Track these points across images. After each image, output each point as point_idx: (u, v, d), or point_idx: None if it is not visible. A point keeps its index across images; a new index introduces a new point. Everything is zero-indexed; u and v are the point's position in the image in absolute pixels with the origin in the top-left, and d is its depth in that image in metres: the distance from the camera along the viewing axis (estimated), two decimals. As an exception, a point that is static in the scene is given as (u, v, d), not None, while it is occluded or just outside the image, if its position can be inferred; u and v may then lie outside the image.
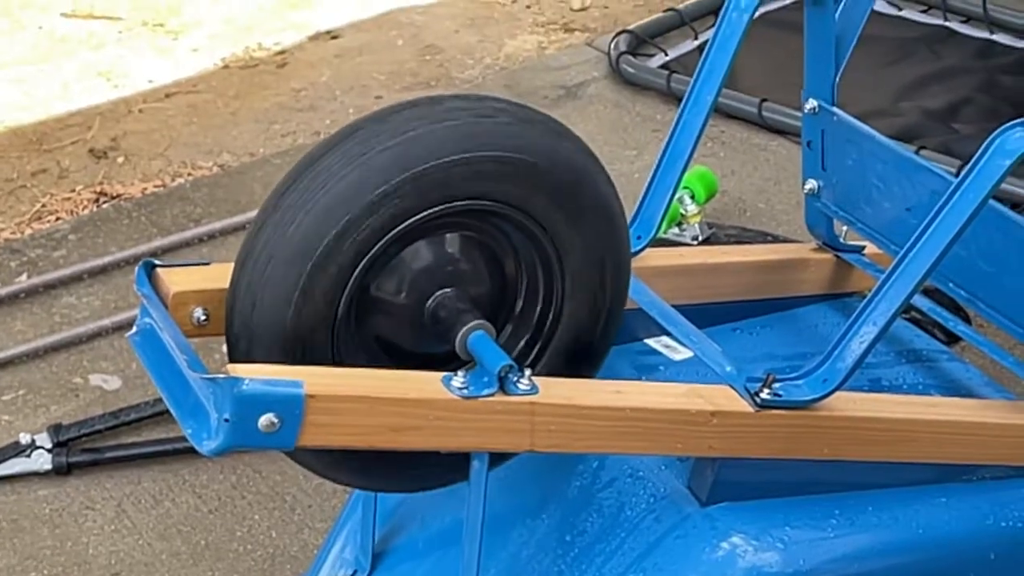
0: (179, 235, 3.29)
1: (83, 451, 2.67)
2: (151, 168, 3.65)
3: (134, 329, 1.45)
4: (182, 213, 3.41)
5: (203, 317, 1.47)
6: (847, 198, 1.87)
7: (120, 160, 3.69)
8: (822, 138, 1.87)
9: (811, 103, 1.86)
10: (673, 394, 1.50)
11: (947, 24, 3.99)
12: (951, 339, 2.20)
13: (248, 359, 1.38)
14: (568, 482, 1.65)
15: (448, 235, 1.48)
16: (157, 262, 1.49)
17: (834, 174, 1.88)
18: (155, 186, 3.55)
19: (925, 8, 4.07)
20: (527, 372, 1.41)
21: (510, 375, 1.39)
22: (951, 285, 1.74)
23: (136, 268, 1.49)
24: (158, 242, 3.27)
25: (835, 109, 1.85)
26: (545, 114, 1.48)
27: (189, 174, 3.61)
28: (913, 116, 3.51)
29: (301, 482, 2.61)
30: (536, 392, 1.40)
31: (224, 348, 1.42)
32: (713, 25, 1.80)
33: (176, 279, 1.47)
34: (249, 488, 2.61)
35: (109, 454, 2.67)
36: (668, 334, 1.71)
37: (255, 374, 1.29)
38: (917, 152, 3.10)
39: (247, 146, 3.75)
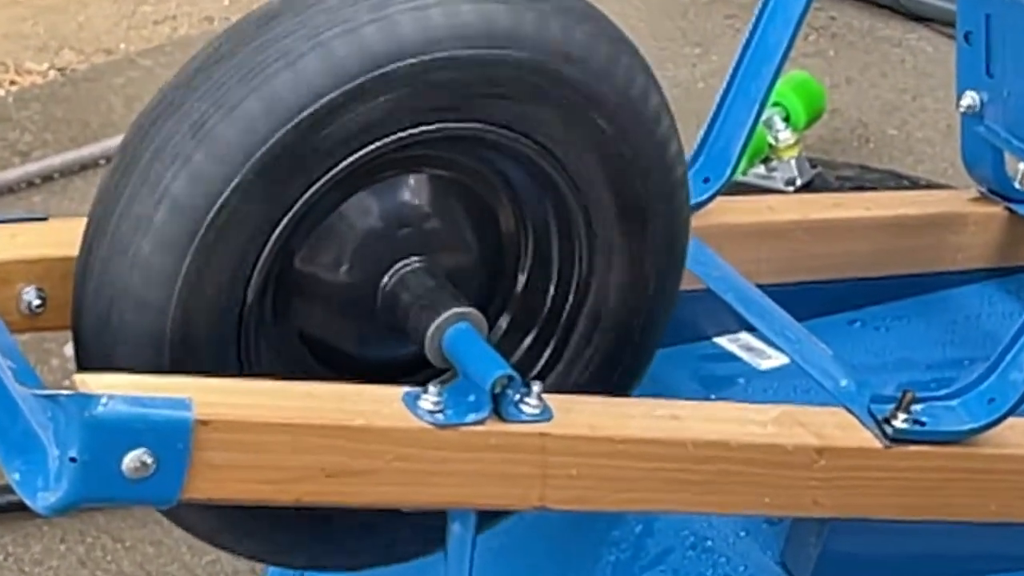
0: (-3, 176, 3.31)
1: None
2: (-47, 73, 3.67)
3: (-71, 320, 1.46)
4: (2, 141, 3.42)
5: (37, 301, 1.48)
6: (1026, 120, 1.88)
7: (-95, 60, 3.71)
8: (987, 27, 1.88)
9: (971, -26, 1.86)
10: (758, 421, 1.51)
11: None
12: None
13: (108, 366, 1.39)
14: (597, 556, 1.67)
15: (412, 176, 1.49)
16: (-34, 217, 1.51)
17: (1006, 83, 1.88)
18: (-41, 100, 3.57)
19: None
20: (535, 387, 1.42)
21: (509, 391, 1.40)
22: None
23: (-68, 226, 1.50)
24: (-36, 186, 3.29)
25: (1008, -17, 1.85)
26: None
27: (12, 82, 3.62)
28: None
29: (185, 556, 2.62)
30: (549, 417, 1.41)
31: (68, 349, 1.43)
32: None
33: (-5, 243, 1.48)
34: (106, 566, 2.63)
35: None
36: (750, 329, 1.72)
37: (118, 389, 1.30)
38: None
39: (100, 39, 3.76)
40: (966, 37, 1.90)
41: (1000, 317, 1.90)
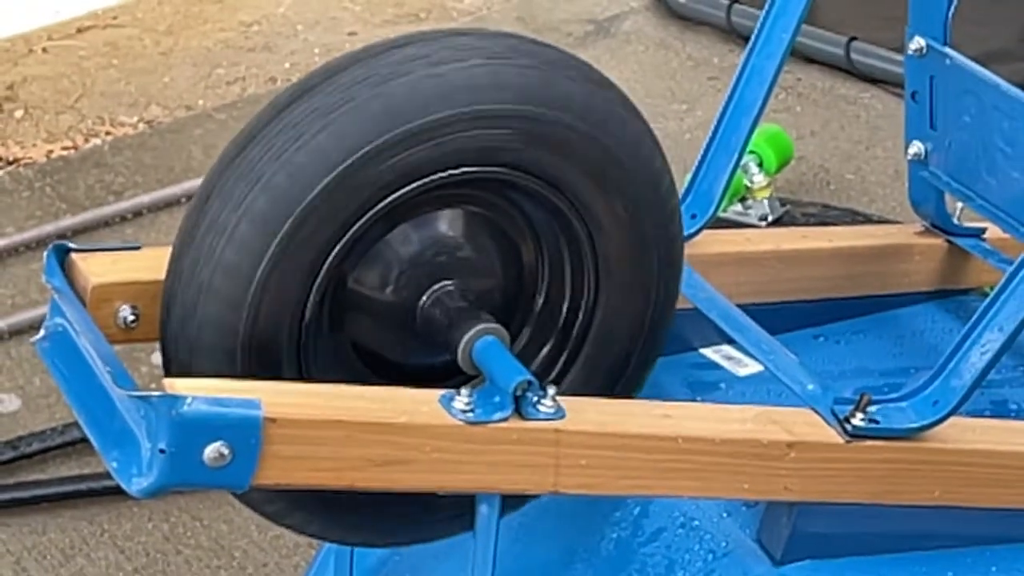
0: (95, 212, 3.31)
1: (-28, 491, 2.69)
2: (58, 125, 3.67)
3: (41, 333, 1.45)
4: (99, 183, 3.42)
5: (131, 317, 1.47)
6: (964, 165, 1.87)
7: (18, 114, 3.71)
8: (931, 87, 1.87)
9: (917, 42, 1.86)
10: (738, 419, 1.51)
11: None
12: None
13: (189, 372, 1.39)
14: (602, 534, 1.66)
15: (448, 212, 1.49)
16: (72, 245, 1.50)
17: (947, 134, 1.88)
18: (64, 148, 3.57)
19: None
20: (551, 390, 1.41)
21: (529, 394, 1.40)
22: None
23: (42, 254, 1.50)
24: (68, 221, 3.29)
25: (948, 50, 1.85)
26: (570, 54, 1.49)
27: (107, 133, 3.63)
28: (1047, 60, 3.52)
29: (253, 533, 2.62)
30: (562, 416, 1.41)
31: (157, 358, 1.43)
32: (790, -59, 1.80)
33: (97, 268, 1.48)
34: (186, 540, 2.62)
35: (5, 495, 2.68)
36: (731, 342, 1.71)
37: (200, 391, 1.30)
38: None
39: (182, 97, 3.76)
40: (913, 96, 1.89)
41: (942, 332, 1.89)
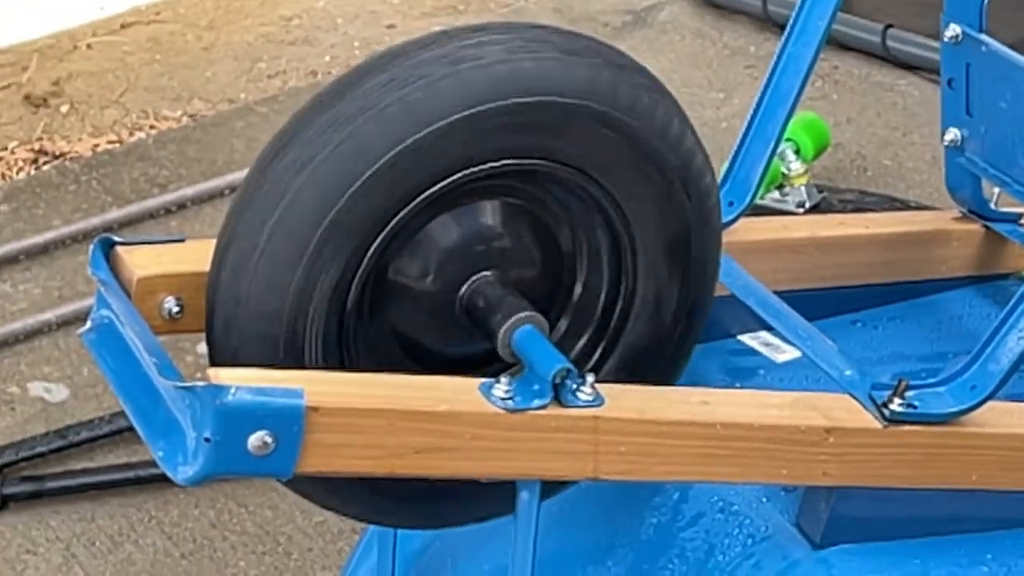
0: (140, 204, 3.32)
1: (22, 480, 2.71)
2: (103, 119, 3.69)
3: (88, 324, 1.46)
4: (143, 176, 3.44)
5: (176, 308, 1.48)
6: (1000, 151, 1.86)
7: (64, 109, 3.73)
8: (967, 74, 1.86)
9: (953, 29, 1.85)
10: (776, 405, 1.50)
11: None
12: None
13: (234, 362, 1.39)
14: (642, 519, 1.66)
15: (486, 203, 1.49)
16: (117, 239, 1.50)
17: (983, 121, 1.87)
18: (109, 142, 3.59)
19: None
20: (589, 378, 1.41)
21: (567, 382, 1.40)
22: None
23: (88, 247, 1.50)
24: (114, 214, 3.30)
25: (984, 37, 1.84)
26: (603, 43, 1.48)
27: (151, 127, 3.64)
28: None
29: (298, 518, 2.63)
30: (601, 403, 1.41)
31: (201, 348, 1.43)
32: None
33: (142, 260, 1.48)
34: (232, 527, 2.63)
35: (54, 484, 2.70)
36: (768, 328, 1.71)
37: (244, 381, 1.31)
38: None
39: (224, 90, 3.77)
40: (949, 83, 1.88)
41: (979, 318, 1.88)
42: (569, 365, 1.40)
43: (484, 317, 1.46)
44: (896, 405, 1.51)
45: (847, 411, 1.51)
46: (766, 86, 1.78)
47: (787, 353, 1.77)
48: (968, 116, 1.89)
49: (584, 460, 1.42)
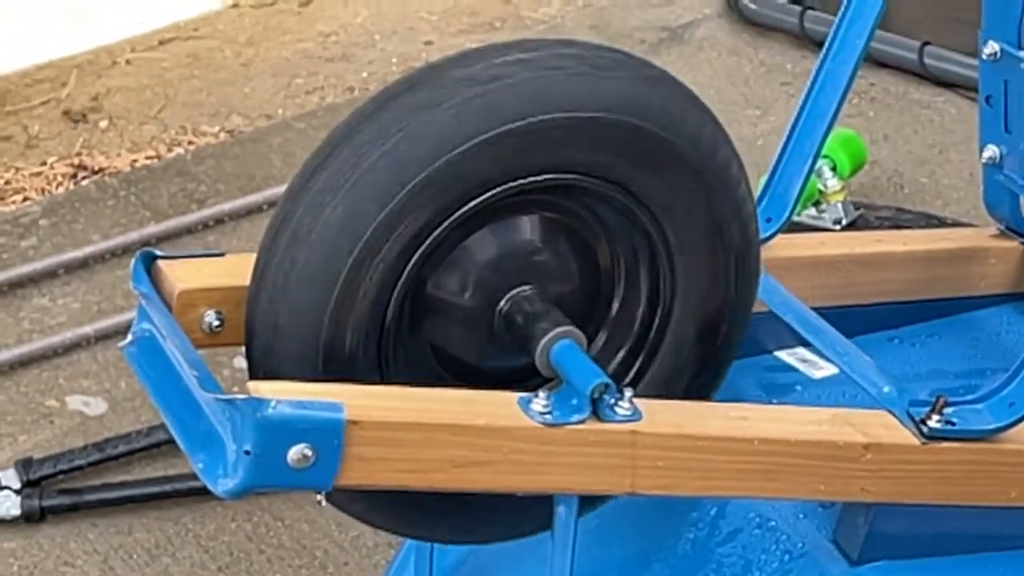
0: (178, 219, 3.34)
1: (60, 492, 2.72)
2: (142, 135, 3.70)
3: (128, 338, 1.47)
4: (182, 191, 3.45)
5: (216, 322, 1.49)
6: (1039, 169, 1.86)
7: (103, 125, 3.75)
8: (1005, 91, 1.86)
9: (991, 46, 1.85)
10: (814, 421, 1.50)
11: None
12: None
13: (274, 375, 1.40)
14: (679, 534, 1.66)
15: (525, 218, 1.49)
16: (158, 252, 1.52)
17: (1022, 138, 1.87)
18: (147, 157, 3.61)
19: None
20: (627, 393, 1.42)
21: (605, 396, 1.40)
22: None
23: (127, 261, 1.52)
24: (152, 228, 3.32)
25: (1022, 54, 1.84)
26: (639, 57, 1.49)
27: (190, 142, 3.66)
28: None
29: (334, 533, 2.63)
30: (639, 418, 1.41)
31: (237, 361, 1.44)
32: (863, -53, 1.79)
33: (182, 274, 1.49)
34: (269, 540, 2.64)
35: (92, 496, 2.71)
36: (806, 344, 1.71)
37: (284, 394, 1.31)
38: None
39: (262, 106, 3.79)
40: (987, 100, 1.88)
41: (1017, 335, 1.88)
42: (607, 380, 1.40)
43: (522, 331, 1.47)
44: (934, 422, 1.51)
45: (885, 427, 1.51)
46: (804, 103, 1.78)
47: (824, 370, 1.76)
48: (1007, 133, 1.88)
49: (622, 475, 1.42)
